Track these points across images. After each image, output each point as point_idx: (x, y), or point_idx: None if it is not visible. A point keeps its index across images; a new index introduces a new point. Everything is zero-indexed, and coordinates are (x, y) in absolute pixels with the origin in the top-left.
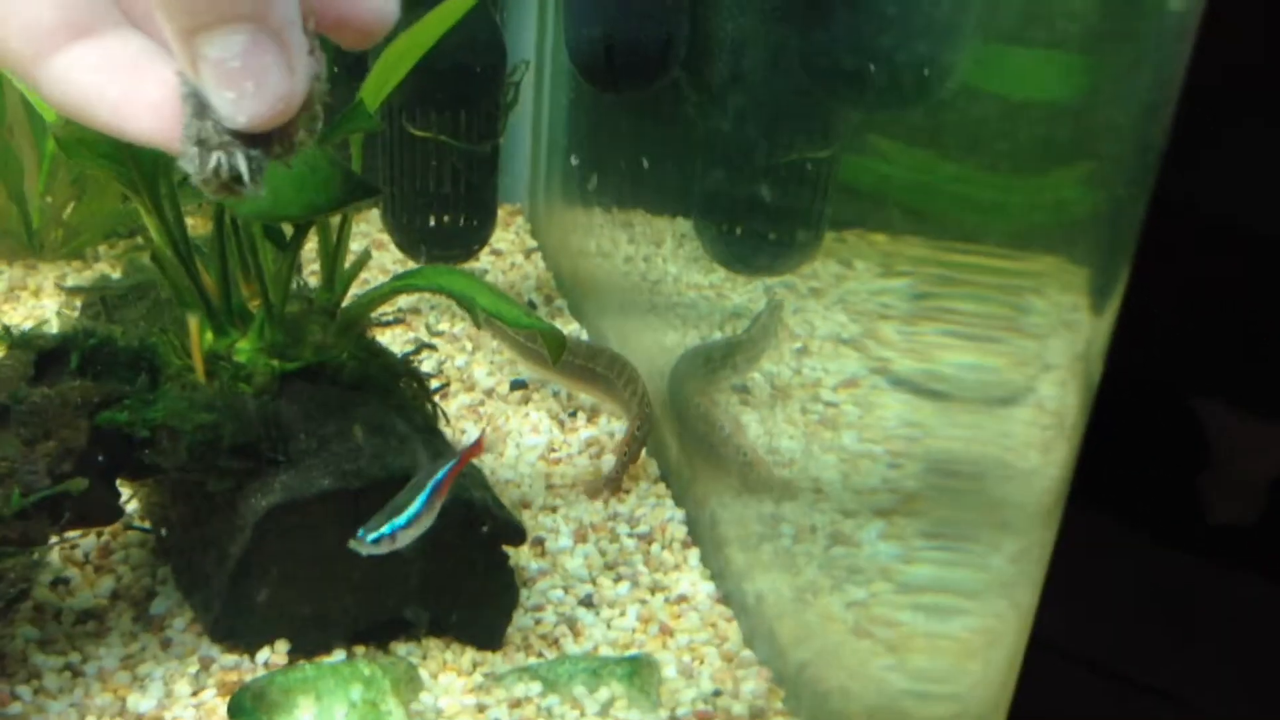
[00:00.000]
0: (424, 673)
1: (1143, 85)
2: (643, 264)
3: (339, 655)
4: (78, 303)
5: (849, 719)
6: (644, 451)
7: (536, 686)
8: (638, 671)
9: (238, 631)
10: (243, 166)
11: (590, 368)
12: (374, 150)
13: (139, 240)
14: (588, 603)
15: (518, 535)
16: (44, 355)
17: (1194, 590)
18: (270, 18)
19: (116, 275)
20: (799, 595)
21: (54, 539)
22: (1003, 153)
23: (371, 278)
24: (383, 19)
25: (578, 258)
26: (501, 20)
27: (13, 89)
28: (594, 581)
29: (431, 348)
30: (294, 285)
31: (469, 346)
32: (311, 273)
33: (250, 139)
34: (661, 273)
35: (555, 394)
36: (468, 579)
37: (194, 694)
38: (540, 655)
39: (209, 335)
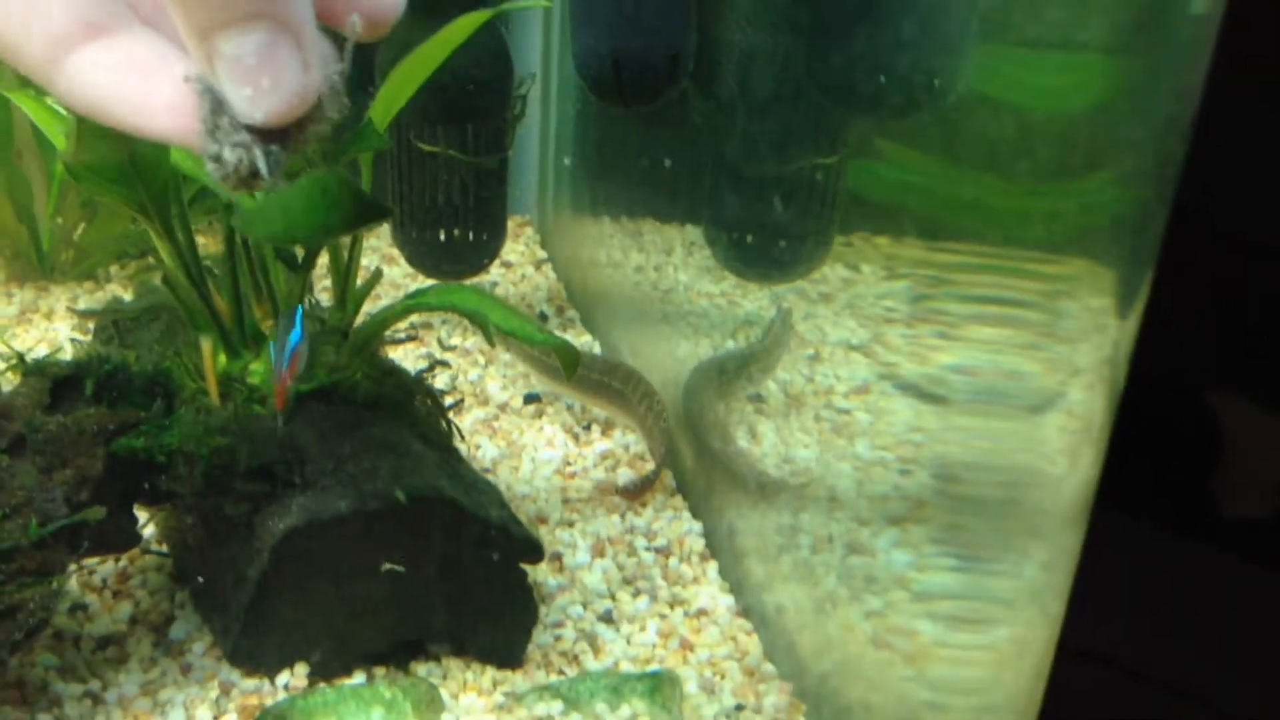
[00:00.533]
0: (445, 693)
1: (1166, 88)
2: (654, 273)
3: (359, 677)
4: (90, 326)
5: None
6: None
7: (558, 705)
8: (659, 688)
9: (257, 655)
10: (260, 162)
11: (606, 382)
12: (383, 166)
13: (150, 261)
14: (607, 618)
15: (536, 553)
16: (59, 382)
17: (1211, 587)
18: (285, 14)
19: (128, 297)
20: (819, 606)
21: (72, 567)
22: (1028, 158)
23: (382, 292)
24: (388, 11)
25: (588, 268)
26: (507, 33)
27: (21, 111)
28: (613, 596)
29: (445, 364)
30: (306, 305)
31: (482, 361)
32: (323, 289)
33: (267, 134)
34: (672, 282)
35: (569, 408)
36: (487, 598)
37: (215, 719)
38: (561, 673)
39: (222, 357)
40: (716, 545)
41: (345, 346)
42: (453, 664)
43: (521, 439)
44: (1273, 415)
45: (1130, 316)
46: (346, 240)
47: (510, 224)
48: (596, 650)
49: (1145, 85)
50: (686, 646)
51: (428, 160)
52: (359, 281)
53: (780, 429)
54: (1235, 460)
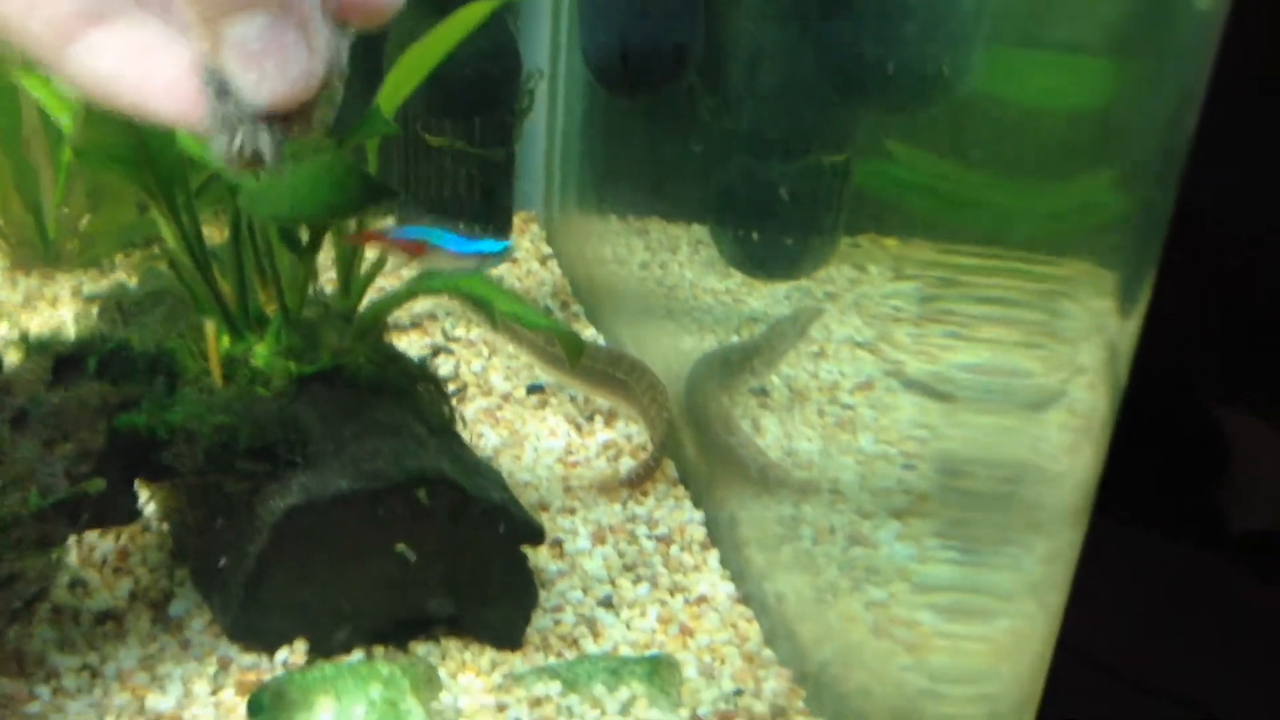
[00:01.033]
0: (443, 673)
1: (1170, 86)
2: (659, 270)
3: (358, 655)
4: (94, 310)
5: (870, 719)
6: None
7: (556, 686)
8: (658, 671)
9: (256, 632)
10: (265, 146)
11: (610, 373)
12: (390, 159)
13: (155, 250)
14: (607, 603)
15: (536, 535)
16: (62, 360)
17: (1217, 597)
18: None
19: (133, 284)
20: (820, 596)
21: (72, 541)
22: (1027, 158)
23: (389, 285)
24: (387, 2)
25: (593, 264)
26: (516, 28)
27: (29, 100)
28: (613, 583)
29: (448, 351)
30: (311, 291)
31: (485, 352)
32: (329, 280)
33: (272, 117)
34: (677, 278)
35: (572, 398)
36: (487, 579)
37: (213, 693)
38: (560, 655)
39: (226, 340)
40: (717, 534)
41: (349, 330)
42: (452, 644)
43: (524, 428)
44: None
45: (1132, 316)
46: (351, 226)
47: (517, 220)
48: (596, 634)
49: (1147, 84)
50: (686, 632)
51: (435, 153)
52: (363, 269)
53: (784, 422)
54: (1241, 471)
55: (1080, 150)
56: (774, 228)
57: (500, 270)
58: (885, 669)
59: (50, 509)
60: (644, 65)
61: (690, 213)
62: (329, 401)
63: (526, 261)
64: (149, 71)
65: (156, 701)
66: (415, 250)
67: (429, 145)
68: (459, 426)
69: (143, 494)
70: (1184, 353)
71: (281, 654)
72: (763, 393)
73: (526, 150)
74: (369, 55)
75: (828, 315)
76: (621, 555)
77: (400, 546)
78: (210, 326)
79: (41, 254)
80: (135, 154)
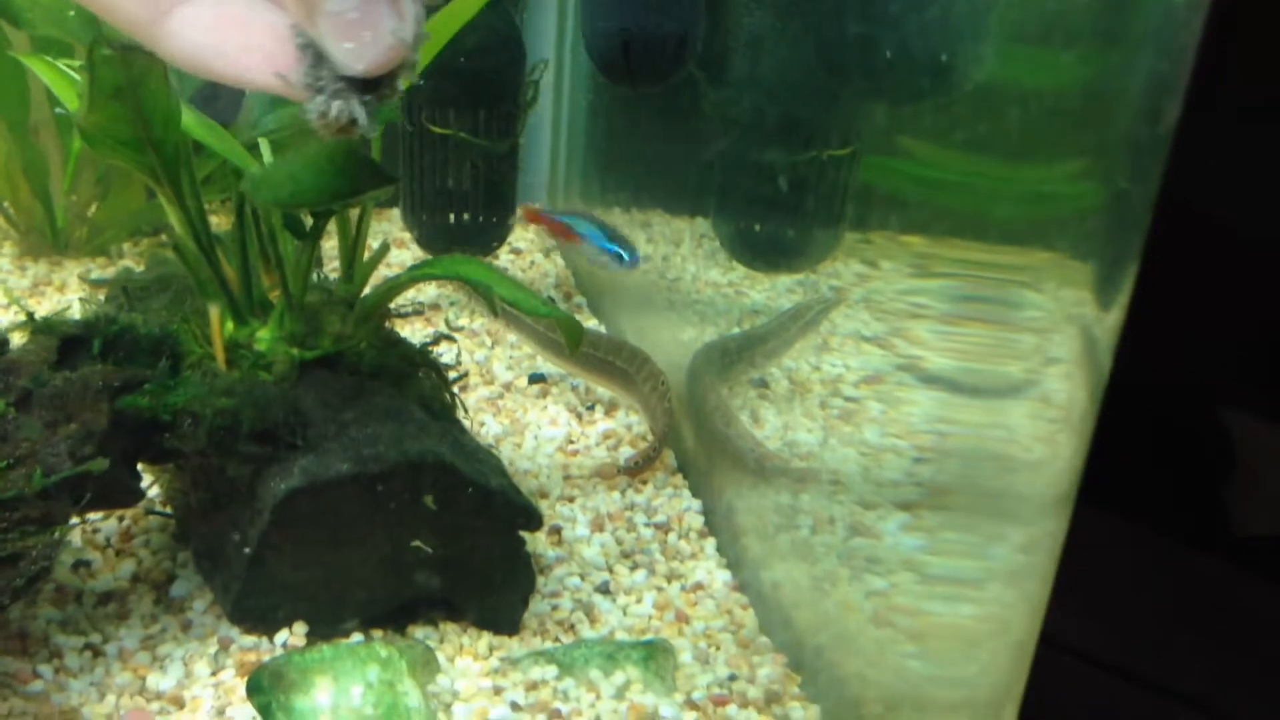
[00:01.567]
0: (441, 656)
1: (1141, 76)
2: (661, 262)
3: (356, 638)
4: (101, 295)
5: (866, 704)
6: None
7: (552, 670)
8: (653, 656)
9: (256, 613)
10: (359, 111)
11: (611, 361)
12: (394, 149)
13: (162, 238)
14: (604, 590)
15: (534, 520)
16: (67, 341)
17: (1223, 599)
18: None
19: (140, 270)
20: (816, 584)
21: (75, 520)
22: (995, 145)
23: (391, 273)
24: None
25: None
26: (521, 21)
27: (39, 88)
28: (610, 569)
29: (449, 338)
30: (314, 278)
31: (488, 342)
32: (332, 269)
33: (364, 84)
34: (680, 271)
35: (574, 388)
36: (485, 564)
37: (213, 674)
38: (557, 640)
39: (230, 324)
40: (715, 523)
41: (351, 316)
42: (450, 628)
43: (525, 417)
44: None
45: (1113, 309)
46: (355, 214)
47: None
48: (593, 620)
49: (1113, 74)
50: (682, 619)
51: (439, 143)
52: (366, 256)
53: (783, 414)
54: (1247, 474)
55: (1049, 138)
56: (775, 220)
57: (504, 261)
58: (881, 655)
59: (53, 488)
60: (646, 55)
61: (693, 206)
62: (330, 386)
63: (530, 253)
64: (247, 42)
65: (157, 681)
66: (564, 233)
67: (434, 136)
68: (460, 413)
69: (146, 477)
70: (1191, 355)
71: (281, 635)
72: (763, 384)
73: (531, 143)
74: None
75: (833, 309)
76: (620, 543)
77: (416, 542)
78: (214, 311)
79: (50, 241)
80: (140, 138)
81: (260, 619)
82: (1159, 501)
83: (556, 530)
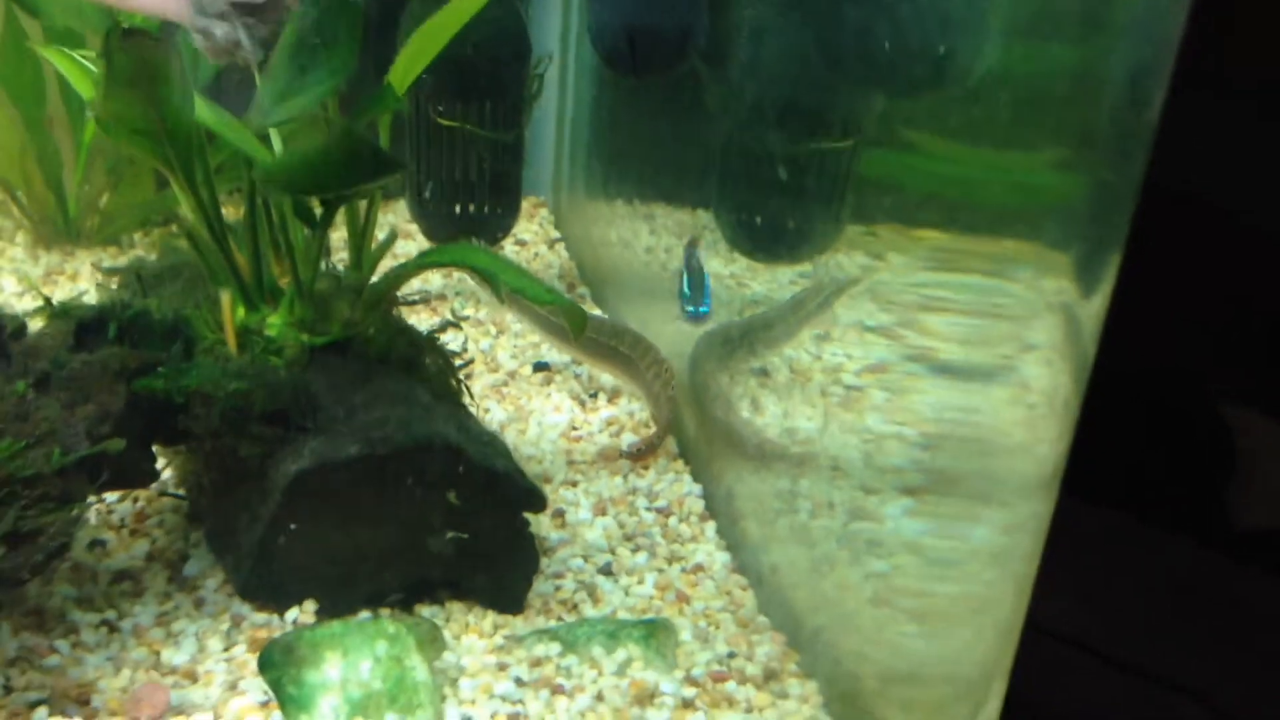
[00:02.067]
0: (447, 634)
1: (1125, 62)
2: (664, 254)
3: (365, 616)
4: (114, 283)
5: (863, 680)
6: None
7: (556, 647)
8: (654, 634)
9: (268, 591)
10: (243, 34)
11: (614, 346)
12: (402, 141)
13: (174, 228)
14: (606, 571)
15: (539, 502)
16: (83, 325)
17: (1225, 594)
18: None
19: (152, 259)
20: (815, 566)
21: (92, 499)
22: (973, 135)
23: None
24: None
25: (600, 248)
26: (526, 15)
27: (53, 80)
28: (613, 551)
29: (455, 325)
30: (323, 267)
31: (494, 331)
32: (340, 259)
33: (247, 8)
34: (682, 262)
35: (577, 376)
36: (490, 544)
37: (225, 649)
38: (560, 619)
39: (241, 310)
40: (715, 507)
41: (359, 302)
42: (455, 607)
43: (530, 404)
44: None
45: (1096, 296)
46: (363, 207)
47: (527, 204)
48: (595, 600)
49: (1096, 62)
50: (682, 599)
51: (445, 135)
52: (374, 245)
53: (784, 401)
54: (1246, 468)
55: (1027, 127)
56: (774, 211)
57: (509, 252)
58: (879, 634)
59: (71, 467)
60: (650, 47)
61: (696, 198)
62: (340, 370)
63: (535, 245)
64: None
65: (171, 656)
66: None
67: (441, 127)
68: (465, 399)
69: (160, 460)
70: (1191, 352)
71: (292, 613)
72: (763, 373)
73: (537, 136)
74: (382, 43)
75: (836, 299)
76: (622, 526)
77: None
78: (226, 297)
79: (63, 231)
80: (153, 126)
81: (271, 597)
82: (1155, 492)
83: (560, 513)
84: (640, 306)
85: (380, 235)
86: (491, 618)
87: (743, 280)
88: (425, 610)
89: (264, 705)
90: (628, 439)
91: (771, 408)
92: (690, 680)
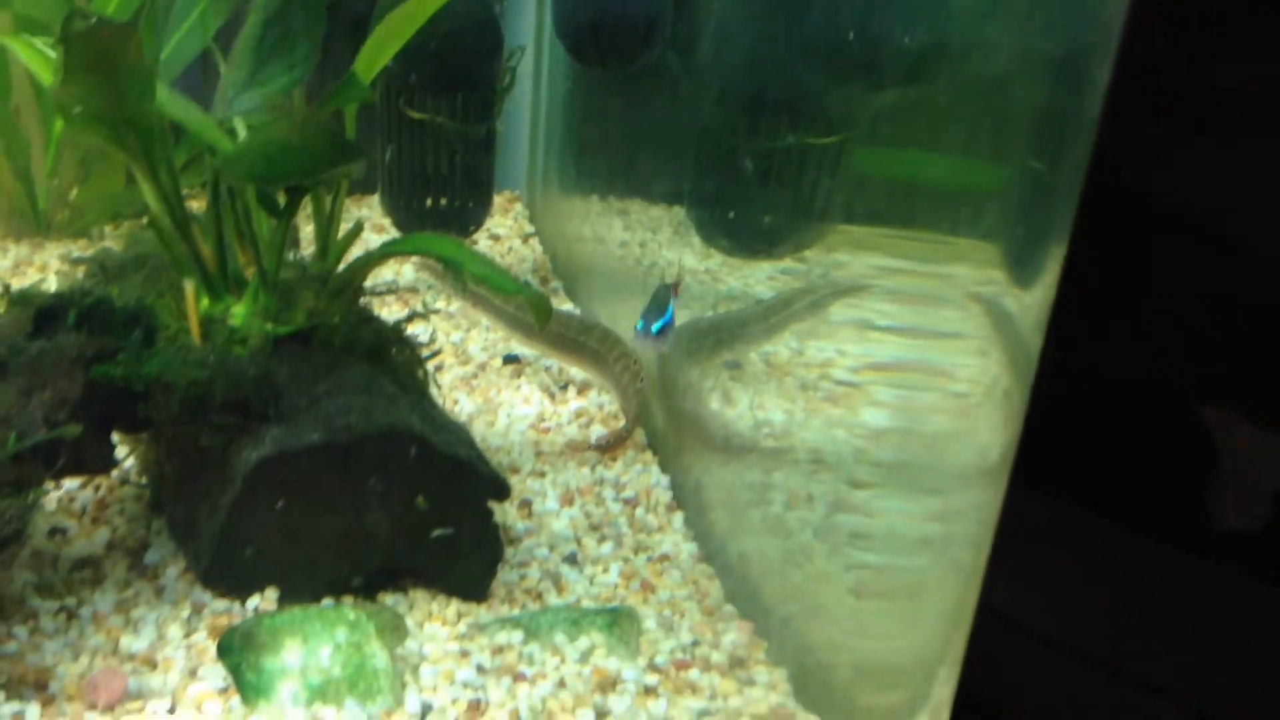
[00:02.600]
0: (410, 622)
1: (1047, 59)
2: (638, 249)
3: (327, 603)
4: (80, 273)
5: (835, 670)
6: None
7: (518, 635)
8: (618, 622)
9: (228, 579)
10: None
11: (583, 341)
12: (372, 134)
13: (144, 221)
14: (572, 560)
15: (502, 490)
16: (42, 312)
17: (1203, 595)
18: None
19: (119, 249)
20: (789, 557)
21: (50, 486)
22: (901, 128)
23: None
24: None
25: (573, 242)
26: (500, 8)
27: (20, 70)
28: (579, 541)
29: (423, 316)
30: (290, 257)
31: (464, 324)
32: (310, 252)
33: None
34: (655, 257)
35: (547, 369)
36: (453, 532)
37: (185, 636)
38: (524, 608)
39: (205, 300)
40: (683, 497)
41: (324, 291)
42: (419, 595)
43: (499, 396)
44: (1266, 428)
45: (1034, 287)
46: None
47: (501, 199)
48: (560, 589)
49: (1016, 63)
50: (648, 588)
51: (417, 128)
52: (340, 234)
53: (756, 395)
54: (1227, 470)
55: (947, 119)
56: (748, 206)
57: (483, 246)
58: (851, 622)
59: (27, 453)
60: (614, 37)
61: (670, 194)
62: (303, 359)
63: (509, 239)
64: None
65: (130, 643)
66: None
67: (411, 120)
68: (433, 389)
69: (122, 449)
70: (1171, 355)
71: (253, 600)
72: (736, 366)
73: (511, 130)
74: (357, 36)
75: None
76: (588, 516)
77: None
78: (189, 286)
79: (32, 223)
80: (113, 113)
81: (232, 584)
82: (1133, 494)
83: (527, 504)
84: (613, 301)
85: (346, 222)
86: (455, 606)
87: (718, 276)
88: (389, 598)
89: (223, 692)
90: (596, 431)
91: (743, 400)
92: (653, 668)
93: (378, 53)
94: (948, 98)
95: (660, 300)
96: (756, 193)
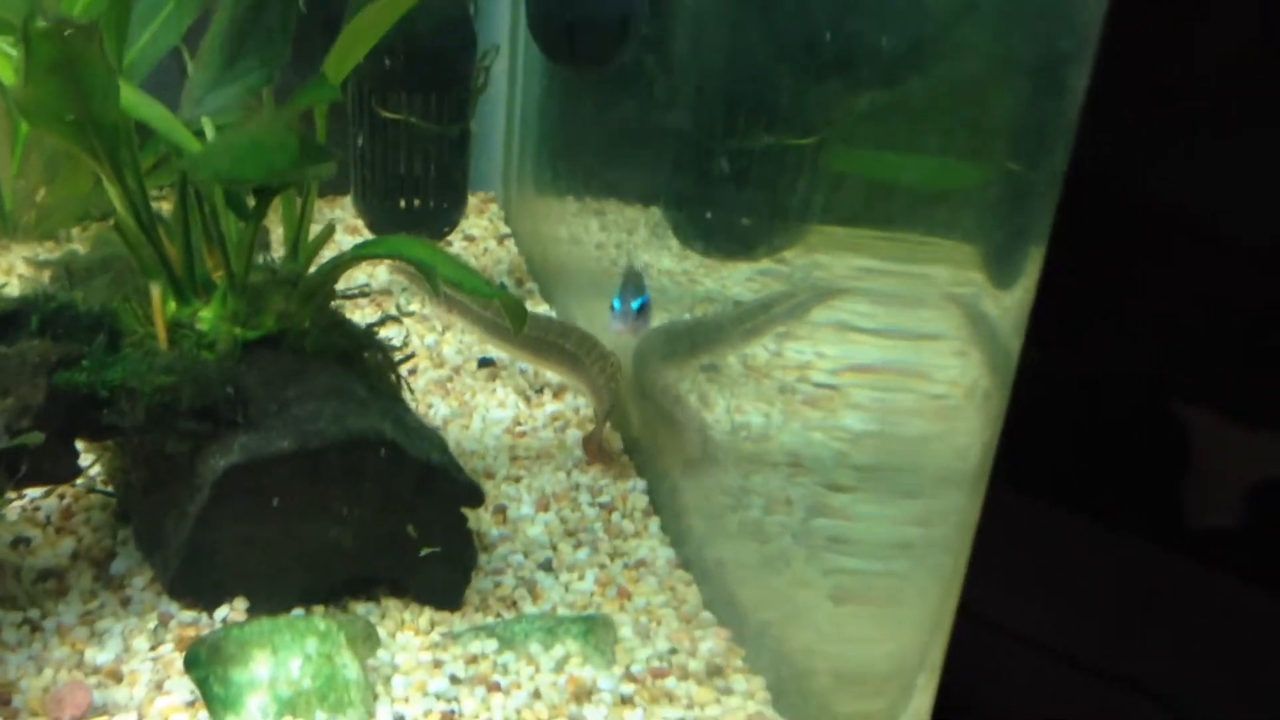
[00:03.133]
0: (382, 631)
1: (1026, 59)
2: (614, 250)
3: (298, 613)
4: (45, 276)
5: (814, 676)
6: (607, 425)
7: (493, 644)
8: (593, 630)
9: (196, 589)
10: None
11: (559, 344)
12: (345, 135)
13: (112, 223)
14: (547, 567)
15: (475, 497)
16: (4, 317)
17: (1179, 592)
18: None
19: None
20: (767, 562)
21: (13, 495)
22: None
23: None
24: None
25: (549, 244)
26: (475, 7)
27: None
28: (554, 547)
29: (397, 320)
30: (260, 260)
31: (438, 327)
32: (281, 256)
33: None
34: (632, 259)
35: (523, 372)
36: (426, 540)
37: (152, 649)
38: (499, 616)
39: (172, 304)
40: (660, 502)
41: (295, 295)
42: (391, 604)
43: (474, 400)
44: (1241, 425)
45: (1014, 289)
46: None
47: (476, 199)
48: (535, 596)
49: (993, 63)
50: (624, 595)
51: (390, 128)
52: (311, 235)
53: (733, 398)
54: (1201, 467)
55: (923, 119)
56: (725, 207)
57: (458, 248)
58: (830, 628)
59: None
60: (588, 37)
61: (647, 195)
62: (273, 364)
63: (484, 240)
64: None
65: (95, 655)
66: None
67: (385, 121)
68: (406, 394)
69: (88, 456)
70: (1147, 351)
71: (221, 611)
72: (713, 369)
73: (486, 130)
74: (331, 35)
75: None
76: (564, 522)
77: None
78: (155, 290)
79: None
80: (77, 114)
81: (200, 595)
82: (1111, 492)
83: (502, 509)
84: (589, 302)
85: (317, 223)
86: (428, 615)
87: (695, 278)
88: (360, 607)
89: (190, 705)
90: (573, 435)
91: (720, 403)
92: (630, 677)
93: (348, 52)
94: (926, 98)
95: (634, 280)
96: (733, 194)
